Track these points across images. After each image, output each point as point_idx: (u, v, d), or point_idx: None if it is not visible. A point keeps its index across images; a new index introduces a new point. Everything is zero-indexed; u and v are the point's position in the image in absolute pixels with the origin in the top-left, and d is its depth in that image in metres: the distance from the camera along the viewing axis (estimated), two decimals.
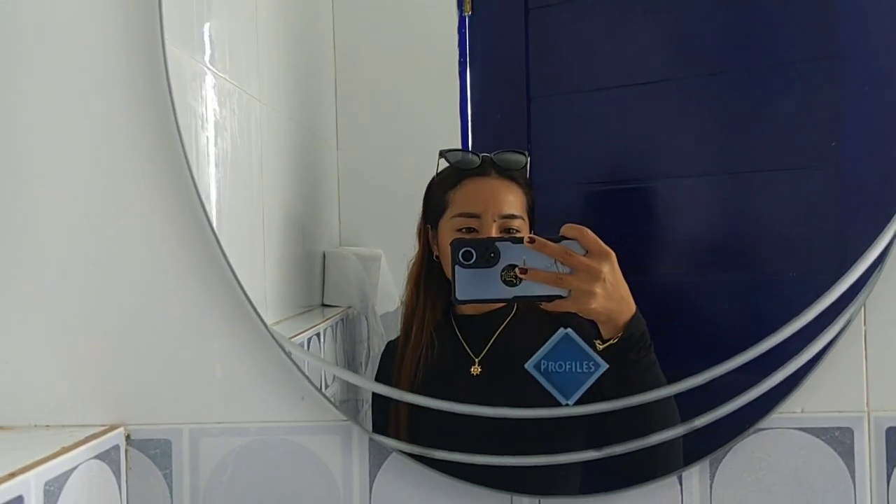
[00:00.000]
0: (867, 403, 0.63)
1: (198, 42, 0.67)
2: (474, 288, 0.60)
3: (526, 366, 0.62)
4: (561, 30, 0.70)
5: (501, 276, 0.60)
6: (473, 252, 0.60)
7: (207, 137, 0.66)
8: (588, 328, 0.62)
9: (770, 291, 0.66)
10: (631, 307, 0.61)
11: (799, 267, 0.65)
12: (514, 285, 0.60)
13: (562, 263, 0.60)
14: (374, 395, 0.68)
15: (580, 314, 0.61)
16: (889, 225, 0.61)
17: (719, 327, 0.67)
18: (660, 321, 0.62)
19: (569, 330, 0.61)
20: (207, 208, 0.64)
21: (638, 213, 0.69)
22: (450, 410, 0.63)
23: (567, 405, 0.61)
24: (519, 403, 0.62)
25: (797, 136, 0.66)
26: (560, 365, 0.61)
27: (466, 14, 0.69)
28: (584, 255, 0.60)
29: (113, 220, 0.66)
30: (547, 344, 0.61)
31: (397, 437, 0.65)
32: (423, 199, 0.67)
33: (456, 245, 0.60)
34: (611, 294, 0.60)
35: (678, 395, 0.62)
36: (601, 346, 0.61)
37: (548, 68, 0.70)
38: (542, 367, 0.62)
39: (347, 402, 0.68)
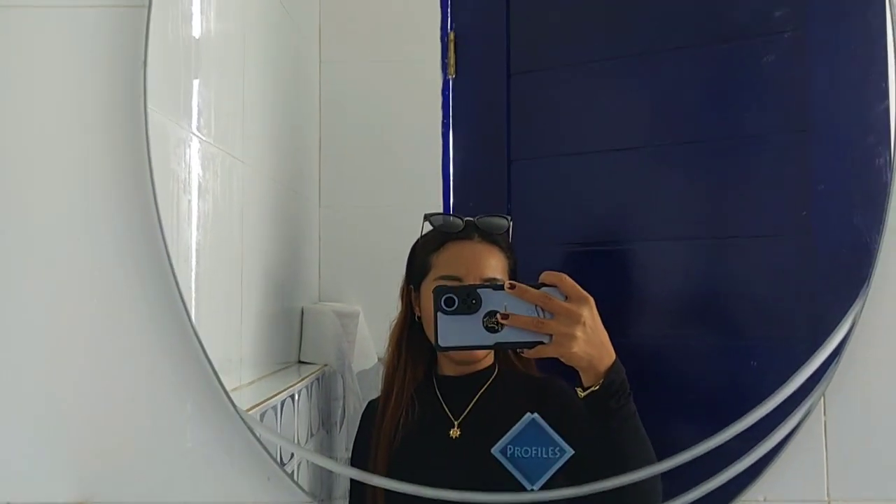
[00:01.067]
0: (828, 493, 0.63)
1: (184, 108, 0.67)
2: (456, 334, 0.60)
3: (492, 451, 0.61)
4: (542, 95, 0.72)
5: (483, 322, 0.60)
6: (455, 298, 0.60)
7: (189, 201, 0.66)
8: (566, 389, 0.62)
9: (744, 356, 0.67)
10: (611, 354, 0.61)
11: (772, 332, 0.67)
12: (496, 331, 0.60)
13: (542, 309, 0.60)
14: (353, 454, 0.68)
15: (562, 359, 0.61)
16: (846, 317, 0.62)
17: (693, 390, 0.68)
18: (635, 381, 0.62)
19: (535, 415, 0.61)
20: (183, 276, 0.63)
21: (615, 274, 0.70)
22: (416, 494, 0.62)
23: (532, 490, 0.61)
24: (497, 470, 0.62)
25: (769, 205, 0.68)
26: (526, 451, 0.61)
27: (450, 77, 0.71)
28: (564, 301, 0.60)
29: (81, 294, 0.65)
30: (513, 429, 0.61)
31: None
32: (407, 261, 0.67)
33: (438, 292, 0.61)
34: (591, 339, 0.60)
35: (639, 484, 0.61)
36: (582, 395, 0.61)
37: (529, 132, 0.72)
38: (509, 452, 0.61)
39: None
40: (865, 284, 0.62)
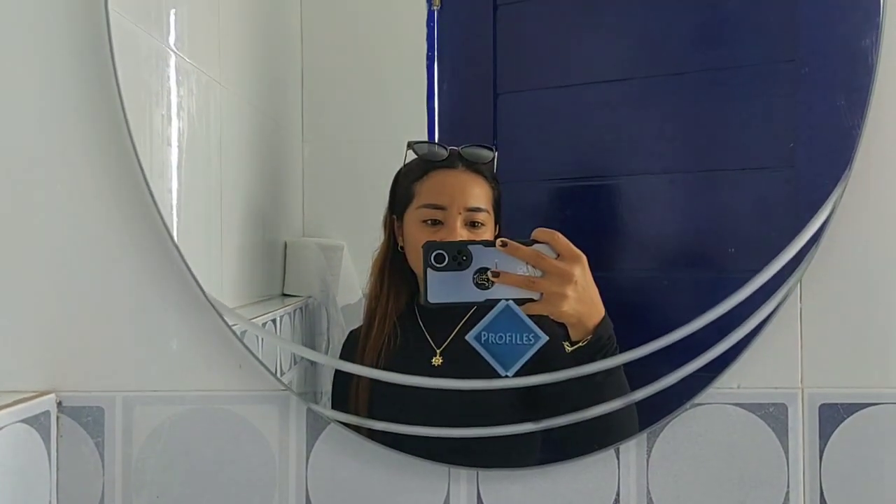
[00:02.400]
0: (801, 380, 0.63)
1: (154, 18, 0.66)
2: (446, 290, 0.60)
3: (467, 337, 0.61)
4: (529, 26, 0.71)
5: (473, 279, 0.60)
6: (445, 255, 0.60)
7: (162, 115, 0.65)
8: (548, 323, 0.61)
9: (727, 286, 0.67)
10: (600, 310, 0.61)
11: (755, 265, 0.66)
12: (486, 288, 0.60)
13: (533, 267, 0.60)
14: (335, 381, 0.68)
15: (551, 317, 0.61)
16: (825, 203, 0.62)
17: (676, 323, 0.67)
18: (619, 315, 0.63)
19: (510, 301, 0.61)
20: (153, 183, 0.63)
21: (602, 208, 0.69)
22: (401, 383, 0.62)
23: (507, 377, 0.61)
24: (478, 398, 0.62)
25: (756, 137, 0.67)
26: (500, 336, 0.61)
27: (435, 8, 0.69)
28: (556, 259, 0.60)
29: (51, 189, 0.64)
30: (488, 315, 0.61)
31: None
32: (390, 190, 0.67)
33: (428, 248, 0.60)
34: (581, 297, 0.60)
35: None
36: (570, 349, 0.61)
37: (515, 64, 0.71)
38: (483, 338, 0.61)
39: (305, 394, 0.67)
40: (847, 168, 0.62)
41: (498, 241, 0.60)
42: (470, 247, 0.60)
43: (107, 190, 0.64)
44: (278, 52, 0.73)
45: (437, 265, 0.60)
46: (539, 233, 0.60)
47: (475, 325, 0.64)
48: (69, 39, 0.64)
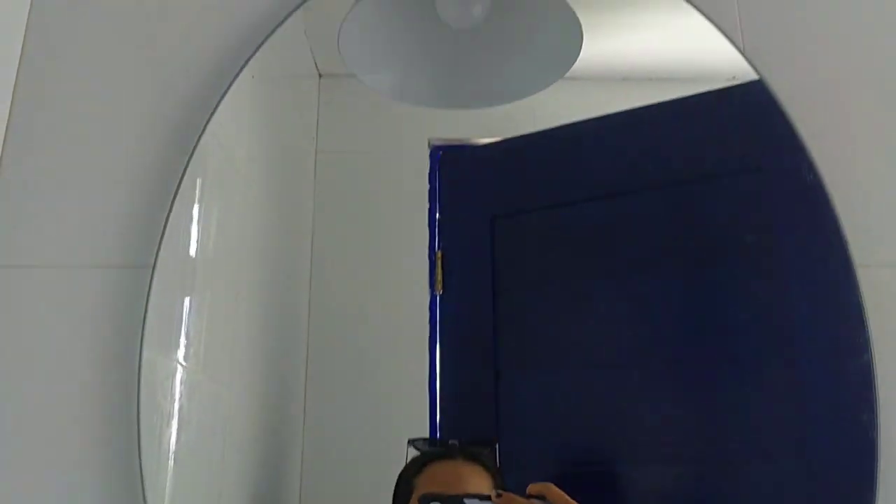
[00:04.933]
0: None
1: (174, 341, 0.69)
2: None
3: None
4: (528, 313, 0.74)
5: None
6: None
7: (170, 434, 0.65)
8: None
9: None
10: None
11: None
12: None
13: None
14: None
15: None
16: None
17: None
18: None
19: None
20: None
21: (606, 496, 0.67)
22: None
23: None
24: None
25: (761, 428, 0.67)
26: None
27: (438, 293, 0.72)
28: None
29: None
30: None
31: None
32: (393, 491, 0.65)
33: (424, 499, 0.59)
34: None
35: None
36: None
37: (515, 349, 0.72)
38: None
39: None
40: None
41: (493, 493, 0.59)
42: (466, 500, 0.59)
43: None
44: (285, 345, 0.75)
45: None
46: (534, 487, 0.60)
47: None
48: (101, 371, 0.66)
